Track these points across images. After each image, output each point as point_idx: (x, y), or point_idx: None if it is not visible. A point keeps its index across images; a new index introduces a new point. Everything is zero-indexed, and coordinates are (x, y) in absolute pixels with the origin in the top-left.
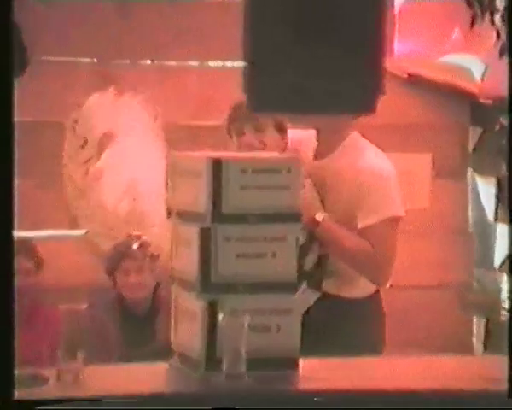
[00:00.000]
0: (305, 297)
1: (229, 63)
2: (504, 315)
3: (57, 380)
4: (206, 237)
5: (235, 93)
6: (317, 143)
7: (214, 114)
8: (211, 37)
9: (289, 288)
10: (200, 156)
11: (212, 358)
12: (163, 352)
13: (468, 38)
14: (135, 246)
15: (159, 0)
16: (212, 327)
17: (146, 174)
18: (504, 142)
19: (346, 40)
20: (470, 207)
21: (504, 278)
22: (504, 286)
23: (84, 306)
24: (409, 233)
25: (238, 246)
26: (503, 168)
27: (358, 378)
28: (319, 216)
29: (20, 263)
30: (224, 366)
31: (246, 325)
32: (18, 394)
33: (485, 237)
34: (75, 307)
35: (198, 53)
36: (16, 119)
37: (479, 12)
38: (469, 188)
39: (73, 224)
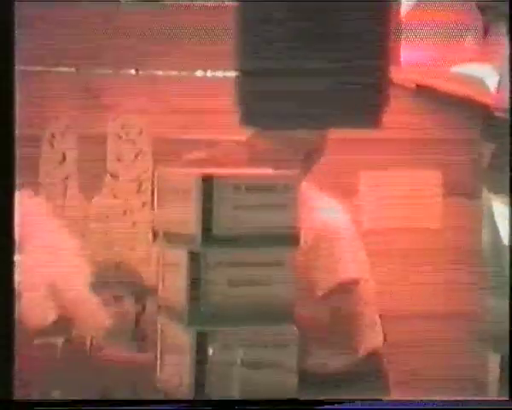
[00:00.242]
0: None
1: (219, 73)
2: None
3: None
4: (195, 262)
5: (227, 105)
6: None
7: (204, 127)
8: (201, 44)
9: (287, 318)
10: (189, 173)
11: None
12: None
13: (481, 47)
14: None
15: (144, 6)
16: (201, 362)
17: None
18: None
19: (347, 49)
20: (484, 230)
21: None
22: None
23: None
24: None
25: (230, 272)
26: None
27: None
28: None
29: None
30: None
31: (239, 361)
32: (18, 394)
33: (499, 260)
34: None
35: (186, 62)
36: None
37: (493, 19)
38: (484, 208)
39: None
